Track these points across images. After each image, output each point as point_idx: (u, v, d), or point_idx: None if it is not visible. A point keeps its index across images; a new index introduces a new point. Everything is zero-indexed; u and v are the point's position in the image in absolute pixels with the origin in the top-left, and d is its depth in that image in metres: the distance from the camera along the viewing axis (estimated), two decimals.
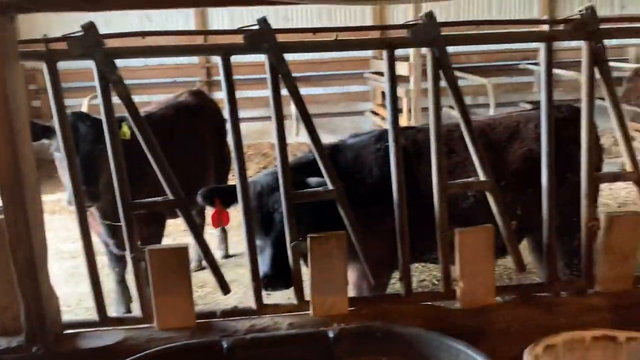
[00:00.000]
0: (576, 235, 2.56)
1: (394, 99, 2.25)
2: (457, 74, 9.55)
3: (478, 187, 2.36)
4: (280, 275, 2.50)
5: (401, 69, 7.78)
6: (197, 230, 2.21)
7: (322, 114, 9.89)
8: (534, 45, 9.78)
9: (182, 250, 2.21)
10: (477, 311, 2.32)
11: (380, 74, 8.70)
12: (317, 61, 9.64)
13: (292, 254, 2.30)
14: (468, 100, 9.83)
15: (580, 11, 2.22)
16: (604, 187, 6.93)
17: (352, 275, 2.95)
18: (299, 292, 2.34)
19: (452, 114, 8.97)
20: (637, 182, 2.38)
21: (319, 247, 2.25)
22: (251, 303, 2.33)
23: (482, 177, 2.34)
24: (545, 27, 2.33)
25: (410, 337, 2.16)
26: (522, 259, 2.43)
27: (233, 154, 2.18)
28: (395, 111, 2.28)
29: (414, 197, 2.90)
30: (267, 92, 2.15)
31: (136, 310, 2.36)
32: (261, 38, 2.06)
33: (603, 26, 2.27)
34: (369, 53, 9.57)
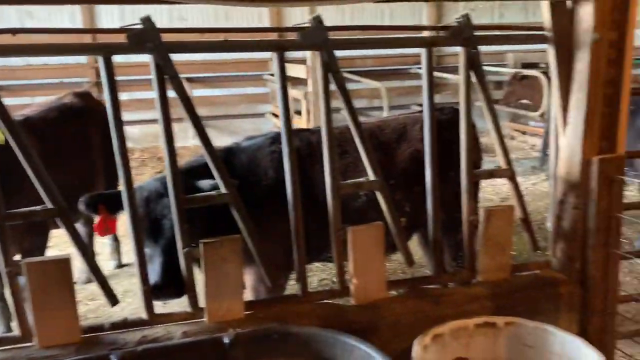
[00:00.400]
0: (460, 230, 2.72)
1: (286, 102, 2.26)
2: (353, 77, 9.84)
3: (368, 187, 2.44)
4: (171, 284, 2.43)
5: (299, 71, 7.87)
6: (78, 240, 2.08)
7: (221, 116, 9.77)
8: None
9: (64, 262, 2.07)
10: (370, 306, 2.39)
11: None
12: (215, 62, 9.51)
13: (184, 261, 2.23)
14: (364, 103, 10.17)
15: (457, 19, 2.37)
16: (487, 183, 7.49)
17: (249, 279, 2.94)
18: (193, 300, 2.29)
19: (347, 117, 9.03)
20: (510, 178, 2.58)
21: (213, 252, 2.21)
22: (142, 313, 2.24)
23: (372, 177, 2.41)
24: (427, 34, 2.45)
25: (307, 336, 2.19)
26: (411, 254, 2.53)
27: (117, 159, 2.08)
28: (288, 113, 2.29)
29: (308, 197, 2.94)
30: None
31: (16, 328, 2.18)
32: (144, 37, 1.98)
33: (478, 33, 2.43)
34: (268, 55, 9.59)
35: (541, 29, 2.52)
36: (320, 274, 4.78)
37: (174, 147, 2.14)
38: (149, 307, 2.24)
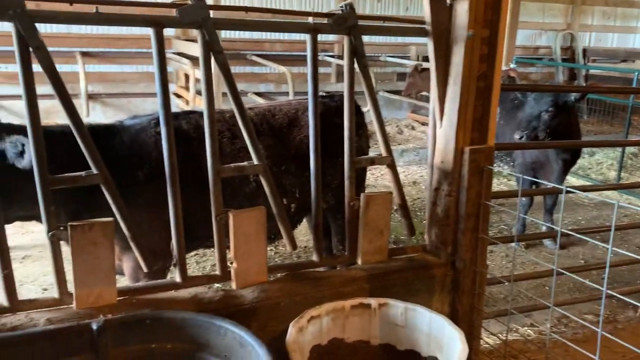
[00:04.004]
0: None
1: (164, 81, 2.18)
2: (259, 60, 9.71)
3: (251, 171, 2.43)
4: None
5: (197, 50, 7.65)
6: None
7: (119, 93, 9.31)
8: (332, 37, 10.43)
9: None
10: (250, 290, 2.40)
11: (183, 54, 8.45)
12: (115, 37, 9.03)
13: (50, 245, 2.11)
14: (271, 87, 10.10)
15: (340, 7, 2.40)
16: (385, 171, 7.71)
17: (126, 265, 2.84)
18: (61, 285, 2.17)
19: (255, 100, 9.05)
20: (390, 166, 2.68)
21: (82, 236, 2.11)
22: (2, 299, 2.10)
23: (255, 160, 2.40)
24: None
25: (180, 321, 2.16)
26: (293, 237, 2.56)
27: None
28: (167, 93, 2.22)
29: (196, 182, 2.88)
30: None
31: None
32: (4, 3, 1.83)
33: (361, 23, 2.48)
34: (171, 32, 9.24)
35: (422, 24, 2.62)
36: (213, 259, 4.72)
37: (39, 124, 2.00)
38: (10, 293, 2.10)
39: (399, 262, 2.75)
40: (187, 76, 8.42)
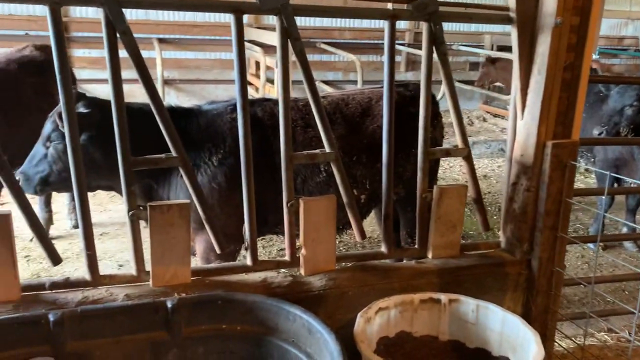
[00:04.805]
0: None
1: (242, 68, 2.20)
2: (328, 48, 9.69)
3: (323, 159, 2.41)
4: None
5: (274, 38, 7.71)
6: (20, 197, 2.02)
7: (193, 80, 9.58)
8: (402, 25, 10.24)
9: (4, 218, 2.01)
10: (318, 277, 2.40)
11: (254, 42, 8.57)
12: (190, 24, 9.28)
13: (130, 223, 2.19)
14: (339, 75, 10.07)
15: None
16: (455, 163, 7.53)
17: (199, 246, 2.91)
18: (138, 263, 2.25)
19: (324, 88, 9.03)
20: (466, 158, 2.59)
21: (160, 216, 2.18)
22: (85, 274, 2.21)
23: (327, 148, 2.39)
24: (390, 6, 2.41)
25: (251, 304, 2.19)
26: (362, 227, 2.54)
27: (64, 115, 2.01)
28: (244, 79, 2.24)
29: (269, 169, 2.91)
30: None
31: None
32: None
33: (443, 9, 2.40)
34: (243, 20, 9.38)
35: (507, 10, 2.50)
36: (280, 245, 4.79)
37: (124, 107, 2.07)
38: (93, 269, 2.21)
39: (471, 258, 2.67)
40: (257, 63, 8.52)
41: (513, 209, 2.69)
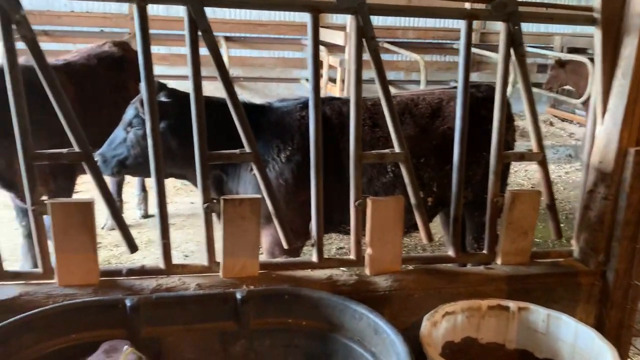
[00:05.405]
0: (485, 212, 2.67)
1: (316, 66, 2.22)
2: (392, 48, 9.63)
3: (392, 158, 2.40)
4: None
5: (338, 38, 7.75)
6: (102, 185, 2.12)
7: (256, 78, 9.75)
8: None
9: (87, 205, 2.12)
10: (383, 278, 2.39)
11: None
12: (255, 23, 9.44)
13: (205, 215, 2.26)
14: (401, 75, 9.98)
15: None
16: (520, 167, 7.32)
17: (265, 240, 2.97)
18: (210, 254, 2.32)
19: None
20: (541, 163, 2.51)
21: (233, 209, 2.23)
22: (160, 262, 2.29)
23: (397, 149, 2.37)
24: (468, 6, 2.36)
25: (317, 300, 2.21)
26: (430, 229, 2.50)
27: (145, 108, 2.09)
28: (318, 79, 2.26)
29: (335, 168, 2.93)
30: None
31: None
32: None
33: (523, 9, 2.34)
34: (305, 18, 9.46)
35: (590, 11, 2.40)
36: (338, 243, 4.80)
37: (202, 103, 2.14)
38: (167, 257, 2.29)
39: (541, 266, 2.59)
40: (321, 62, 8.58)
41: (588, 217, 2.58)
